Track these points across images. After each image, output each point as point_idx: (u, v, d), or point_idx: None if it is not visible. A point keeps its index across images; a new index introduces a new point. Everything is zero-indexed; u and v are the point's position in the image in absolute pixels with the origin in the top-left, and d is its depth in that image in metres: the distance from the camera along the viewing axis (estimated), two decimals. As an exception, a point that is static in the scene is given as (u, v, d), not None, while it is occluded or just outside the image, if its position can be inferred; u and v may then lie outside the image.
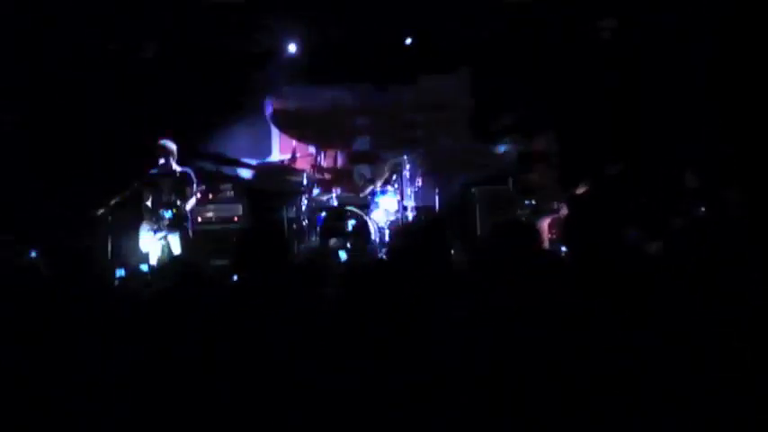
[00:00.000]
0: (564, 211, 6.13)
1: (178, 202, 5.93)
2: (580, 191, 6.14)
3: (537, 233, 3.18)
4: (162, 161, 5.95)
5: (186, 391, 2.21)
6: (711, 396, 2.01)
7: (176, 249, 5.87)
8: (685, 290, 2.38)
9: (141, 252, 5.87)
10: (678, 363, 2.10)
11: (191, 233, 6.12)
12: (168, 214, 5.82)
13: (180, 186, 6.01)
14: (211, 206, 7.20)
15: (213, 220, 7.18)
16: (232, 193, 7.38)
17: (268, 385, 2.19)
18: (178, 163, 6.09)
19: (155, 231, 5.87)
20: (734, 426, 1.97)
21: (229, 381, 2.22)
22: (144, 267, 5.67)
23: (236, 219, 7.24)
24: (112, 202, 5.88)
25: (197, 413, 2.17)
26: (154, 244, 5.84)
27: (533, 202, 6.52)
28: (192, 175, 6.12)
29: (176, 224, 5.90)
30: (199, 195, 6.28)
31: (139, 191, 5.96)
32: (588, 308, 2.31)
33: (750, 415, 1.97)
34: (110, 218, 5.96)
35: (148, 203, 5.97)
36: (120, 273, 5.30)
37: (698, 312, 2.25)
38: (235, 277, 3.05)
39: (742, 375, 2.04)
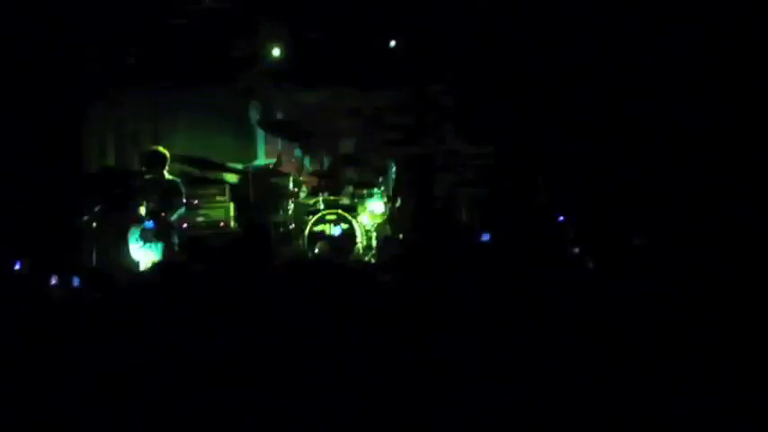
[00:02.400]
0: None
1: (163, 213, 5.81)
2: None
3: None
4: (153, 168, 5.83)
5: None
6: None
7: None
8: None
9: (131, 260, 5.75)
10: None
11: (176, 245, 5.95)
12: (150, 225, 5.69)
13: (168, 195, 5.87)
14: (197, 212, 7.14)
15: (198, 225, 7.12)
16: (218, 197, 7.33)
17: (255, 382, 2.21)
18: (168, 171, 5.97)
19: (143, 241, 5.75)
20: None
21: (217, 380, 2.22)
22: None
23: (222, 224, 7.20)
24: (96, 208, 5.81)
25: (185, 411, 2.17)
26: (143, 252, 5.73)
27: None
28: (181, 185, 5.98)
29: (160, 235, 5.77)
30: (189, 205, 6.14)
31: (126, 197, 5.82)
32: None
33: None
34: (94, 225, 5.89)
35: (141, 211, 5.81)
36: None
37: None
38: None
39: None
